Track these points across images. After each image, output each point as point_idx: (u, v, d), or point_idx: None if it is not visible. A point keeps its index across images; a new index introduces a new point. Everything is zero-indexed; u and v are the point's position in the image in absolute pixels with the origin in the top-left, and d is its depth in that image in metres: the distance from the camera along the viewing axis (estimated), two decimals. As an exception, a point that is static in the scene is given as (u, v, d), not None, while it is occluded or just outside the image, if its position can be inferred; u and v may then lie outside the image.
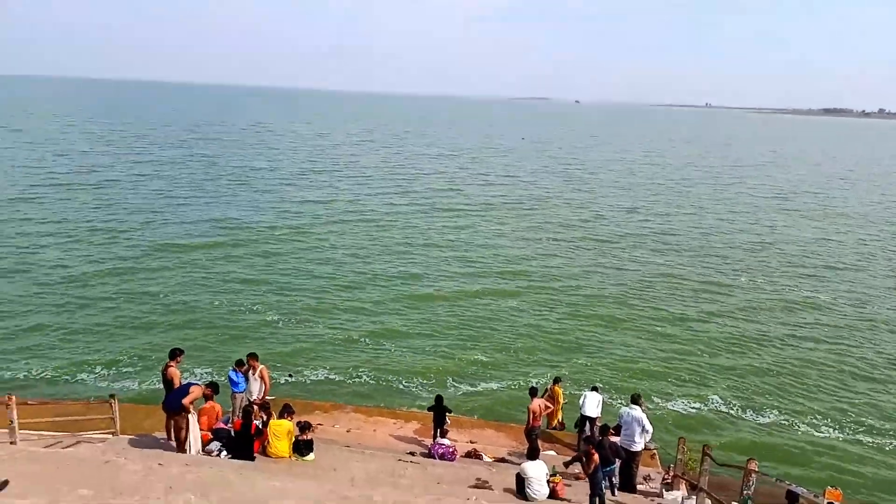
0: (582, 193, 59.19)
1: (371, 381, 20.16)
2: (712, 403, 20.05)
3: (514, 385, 20.46)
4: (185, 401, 11.12)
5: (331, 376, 20.29)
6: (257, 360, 13.52)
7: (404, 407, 18.52)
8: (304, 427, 12.06)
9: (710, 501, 11.26)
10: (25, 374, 19.35)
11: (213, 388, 12.35)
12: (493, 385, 20.46)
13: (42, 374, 19.36)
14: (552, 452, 14.98)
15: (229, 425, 12.54)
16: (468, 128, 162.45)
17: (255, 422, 11.69)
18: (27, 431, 11.82)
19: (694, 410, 19.67)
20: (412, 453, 14.08)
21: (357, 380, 20.19)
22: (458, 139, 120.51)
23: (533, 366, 22.00)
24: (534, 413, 14.19)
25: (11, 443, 10.28)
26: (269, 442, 11.53)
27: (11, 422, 10.54)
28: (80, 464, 8.98)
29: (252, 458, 11.04)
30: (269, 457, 11.45)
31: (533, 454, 11.02)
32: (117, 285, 26.80)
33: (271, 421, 11.78)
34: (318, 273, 30.18)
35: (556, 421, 16.58)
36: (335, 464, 11.53)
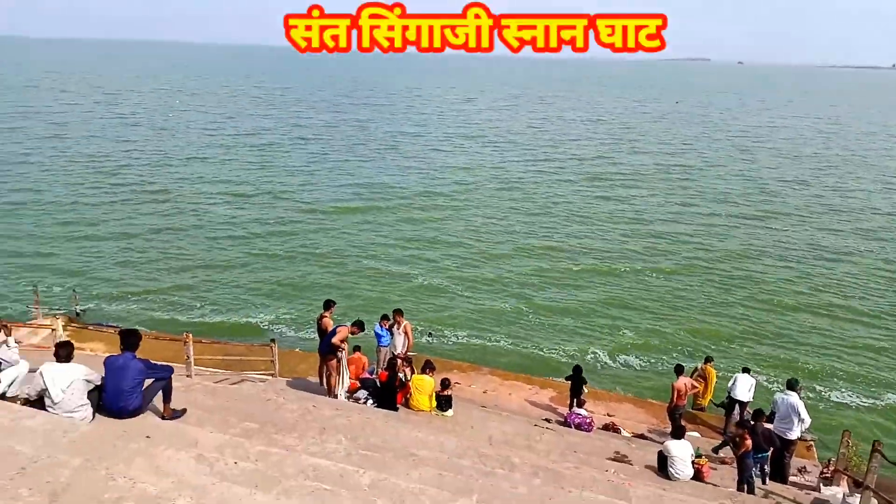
0: (743, 163, 54.51)
1: (509, 347, 20.32)
2: (887, 399, 18.07)
3: (658, 362, 19.71)
4: (335, 340, 11.82)
5: (470, 339, 20.69)
6: (402, 316, 14.04)
7: (539, 374, 18.54)
8: (445, 384, 12.41)
9: (876, 501, 10.20)
10: (199, 318, 21.56)
11: (358, 325, 12.51)
12: (636, 360, 19.85)
13: (213, 320, 21.48)
14: (696, 434, 14.31)
15: (375, 376, 13.23)
16: (619, 91, 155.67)
17: (398, 375, 12.23)
18: (200, 367, 13.19)
19: (864, 405, 17.86)
20: (548, 420, 14.06)
21: (496, 344, 20.43)
22: (608, 104, 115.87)
23: (681, 345, 21.02)
24: (678, 391, 13.58)
25: (187, 376, 11.52)
26: (411, 395, 12.00)
27: (187, 357, 11.79)
28: (246, 400, 9.89)
29: (395, 409, 11.55)
30: (411, 409, 11.92)
31: (678, 433, 10.57)
32: (278, 243, 28.85)
33: (414, 375, 12.24)
34: (462, 239, 30.59)
35: (703, 400, 15.81)
36: (472, 422, 11.78)
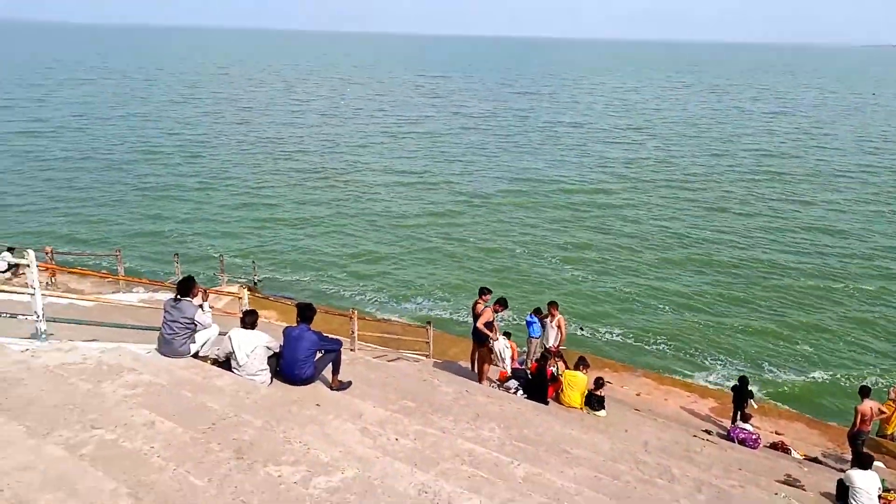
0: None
1: (667, 349, 19.33)
2: None
3: (841, 379, 17.78)
4: (479, 323, 11.86)
5: (625, 338, 19.94)
6: (557, 309, 13.82)
7: (699, 380, 17.46)
8: (599, 383, 12.07)
9: None
10: (360, 296, 22.77)
11: (501, 303, 12.35)
12: (814, 374, 18.04)
13: (376, 298, 22.55)
14: (881, 464, 12.74)
15: (525, 367, 13.17)
16: (805, 81, 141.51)
17: (550, 368, 12.06)
18: (362, 343, 13.90)
19: None
20: (708, 431, 13.20)
21: (653, 346, 19.52)
22: (792, 93, 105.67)
23: (871, 364, 18.78)
24: (863, 415, 12.14)
25: (351, 349, 12.17)
26: (562, 390, 11.80)
27: (352, 332, 12.45)
28: (404, 377, 10.25)
29: (546, 403, 11.42)
30: (562, 404, 11.72)
31: (865, 461, 9.46)
32: (436, 230, 29.50)
33: (566, 371, 12.01)
34: (623, 236, 29.40)
35: (891, 427, 14.02)
36: (626, 425, 11.34)
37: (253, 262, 23.81)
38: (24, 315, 6.95)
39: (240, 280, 22.56)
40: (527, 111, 72.19)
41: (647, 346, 19.47)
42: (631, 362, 18.01)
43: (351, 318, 12.37)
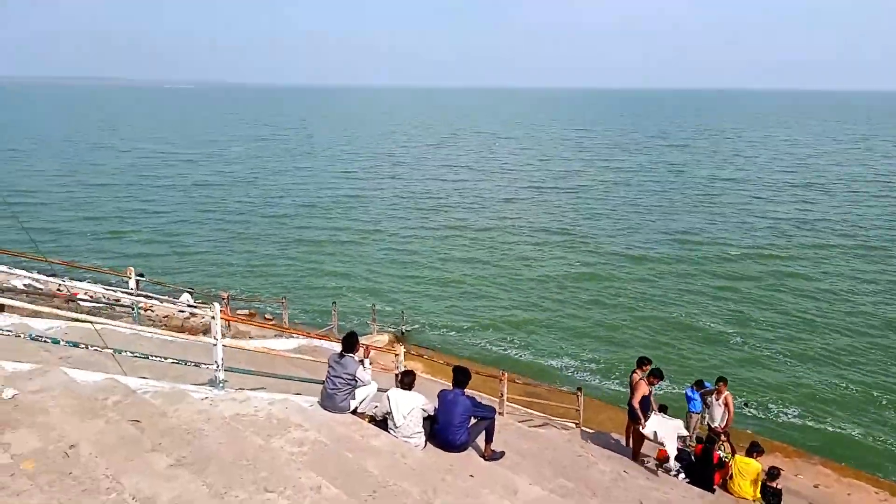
0: None
1: (852, 434, 17.04)
2: None
3: None
4: (633, 401, 11.02)
5: (801, 418, 17.85)
6: (725, 386, 12.65)
7: (893, 476, 15.16)
8: (774, 473, 10.79)
9: None
10: (505, 352, 22.51)
11: (657, 375, 11.20)
12: None
13: (521, 356, 22.14)
14: None
15: (687, 446, 12.11)
16: None
17: (717, 452, 10.98)
18: (509, 404, 13.55)
19: None
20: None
21: (834, 429, 17.31)
22: None
23: None
24: None
25: (499, 413, 11.85)
26: (731, 477, 10.66)
27: (501, 394, 12.16)
28: (555, 448, 9.77)
29: (711, 490, 10.37)
30: (729, 493, 10.58)
31: None
32: (584, 287, 28.64)
33: (737, 456, 10.86)
34: (794, 304, 26.57)
35: None
36: (808, 525, 9.97)
37: (402, 312, 24.44)
38: (206, 365, 7.44)
39: (389, 330, 23.27)
40: (681, 165, 68.79)
41: (827, 429, 17.30)
42: (806, 447, 16.08)
43: (501, 379, 12.10)
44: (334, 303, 22.48)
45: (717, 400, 12.61)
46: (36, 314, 12.80)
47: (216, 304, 7.20)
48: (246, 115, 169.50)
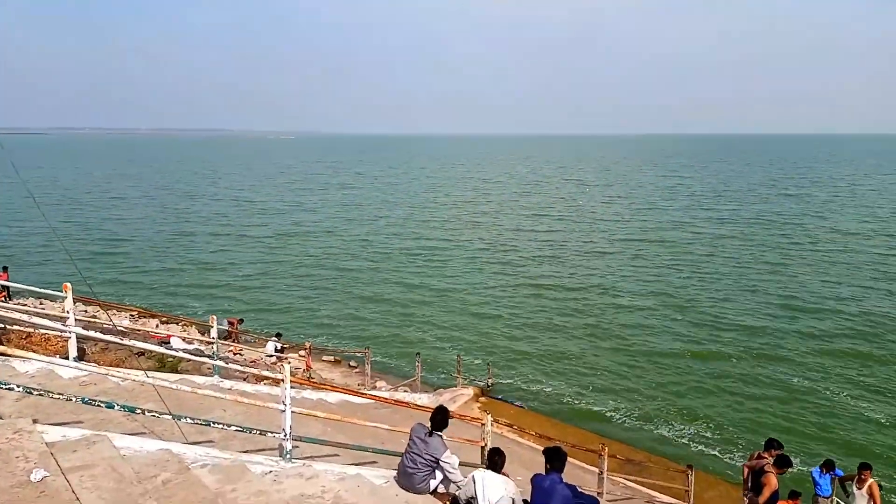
0: None
1: None
2: None
3: None
4: (761, 500, 9.45)
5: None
6: (870, 473, 10.73)
7: None
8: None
9: None
10: (598, 409, 20.85)
11: (782, 464, 9.75)
12: None
13: (620, 420, 20.36)
14: None
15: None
16: None
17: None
18: (610, 476, 12.09)
19: None
20: None
21: None
22: None
23: None
24: None
25: (598, 492, 10.50)
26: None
27: (601, 473, 10.79)
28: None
29: None
30: None
31: None
32: (694, 353, 25.91)
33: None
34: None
35: None
36: None
37: (488, 364, 23.33)
38: (272, 434, 6.70)
39: (477, 383, 22.20)
40: (796, 216, 62.08)
41: None
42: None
43: (601, 454, 10.73)
44: (418, 353, 21.73)
45: (861, 489, 10.70)
46: (119, 363, 12.72)
47: (286, 366, 6.48)
48: (337, 162, 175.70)
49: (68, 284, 9.14)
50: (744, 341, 26.84)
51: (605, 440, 18.03)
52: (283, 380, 6.45)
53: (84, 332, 8.07)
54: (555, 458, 6.79)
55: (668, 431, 19.46)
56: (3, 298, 22.71)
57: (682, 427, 19.60)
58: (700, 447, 18.43)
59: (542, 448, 7.68)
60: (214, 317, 13.68)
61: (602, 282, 37.33)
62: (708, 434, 19.15)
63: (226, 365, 12.78)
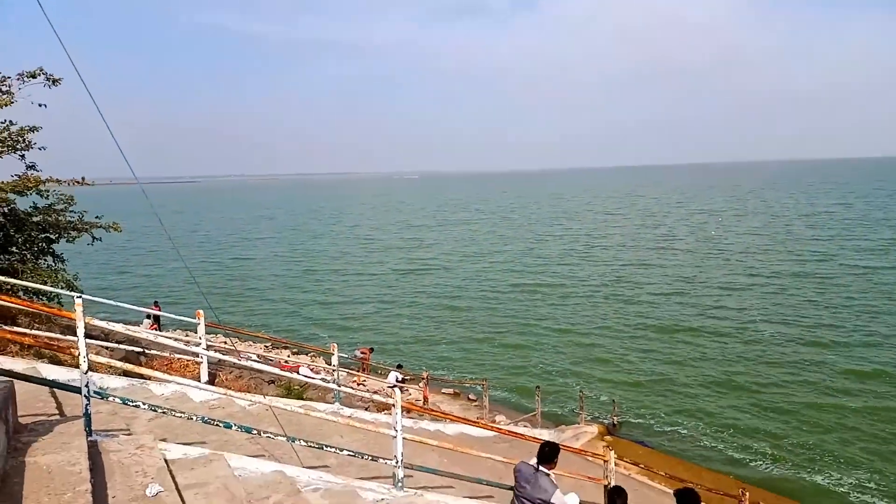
0: None
1: None
2: None
3: None
4: None
5: None
6: None
7: None
8: None
9: None
10: (744, 456, 19.17)
11: None
12: None
13: (763, 464, 18.65)
14: None
15: None
16: None
17: None
18: None
19: None
20: None
21: None
22: None
23: None
24: None
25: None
26: None
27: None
28: None
29: None
30: None
31: None
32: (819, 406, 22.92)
33: None
34: None
35: None
36: None
37: (613, 402, 22.23)
38: (384, 460, 6.59)
39: (602, 421, 21.20)
40: None
41: None
42: None
43: (742, 500, 9.66)
44: (538, 387, 21.13)
45: None
46: (248, 389, 13.30)
47: (397, 391, 6.38)
48: (457, 199, 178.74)
49: (201, 311, 9.69)
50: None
51: (744, 485, 16.53)
52: (394, 405, 6.34)
53: (214, 355, 8.46)
54: (687, 501, 6.15)
55: (823, 480, 17.44)
56: (155, 329, 24.80)
57: (840, 476, 17.48)
58: (861, 498, 16.33)
59: (672, 490, 7.02)
60: (335, 344, 14.03)
61: (739, 318, 34.57)
62: (871, 485, 16.95)
63: (352, 391, 12.99)
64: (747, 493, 9.81)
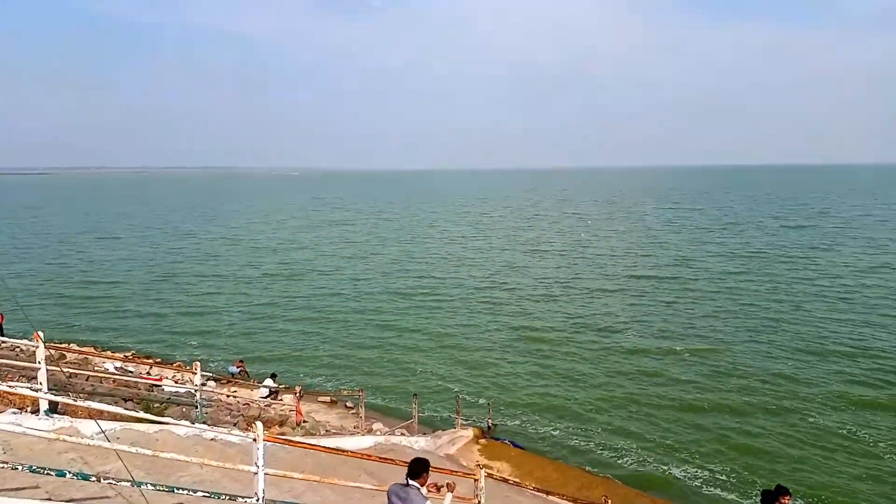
0: None
1: None
2: None
3: None
4: None
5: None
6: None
7: None
8: None
9: None
10: (609, 453, 20.12)
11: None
12: None
13: (628, 460, 19.63)
14: None
15: None
16: None
17: None
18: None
19: None
20: None
21: None
22: None
23: None
24: None
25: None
26: None
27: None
28: None
29: None
30: None
31: None
32: (710, 402, 24.14)
33: None
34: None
35: None
36: None
37: (488, 404, 22.66)
38: (243, 498, 6.18)
39: (478, 424, 21.52)
40: (812, 249, 58.39)
41: None
42: None
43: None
44: (415, 394, 21.13)
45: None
46: (99, 414, 12.16)
47: (258, 424, 6.01)
48: (335, 197, 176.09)
49: (39, 333, 8.68)
50: (758, 387, 25.35)
51: (610, 483, 17.43)
52: (255, 439, 5.96)
53: (54, 398, 7.60)
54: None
55: (681, 473, 18.71)
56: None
57: (696, 471, 18.83)
58: (715, 491, 17.67)
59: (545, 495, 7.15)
60: (198, 363, 13.21)
61: (606, 320, 36.44)
62: (723, 477, 18.38)
63: (218, 405, 12.22)
64: (609, 501, 10.26)
